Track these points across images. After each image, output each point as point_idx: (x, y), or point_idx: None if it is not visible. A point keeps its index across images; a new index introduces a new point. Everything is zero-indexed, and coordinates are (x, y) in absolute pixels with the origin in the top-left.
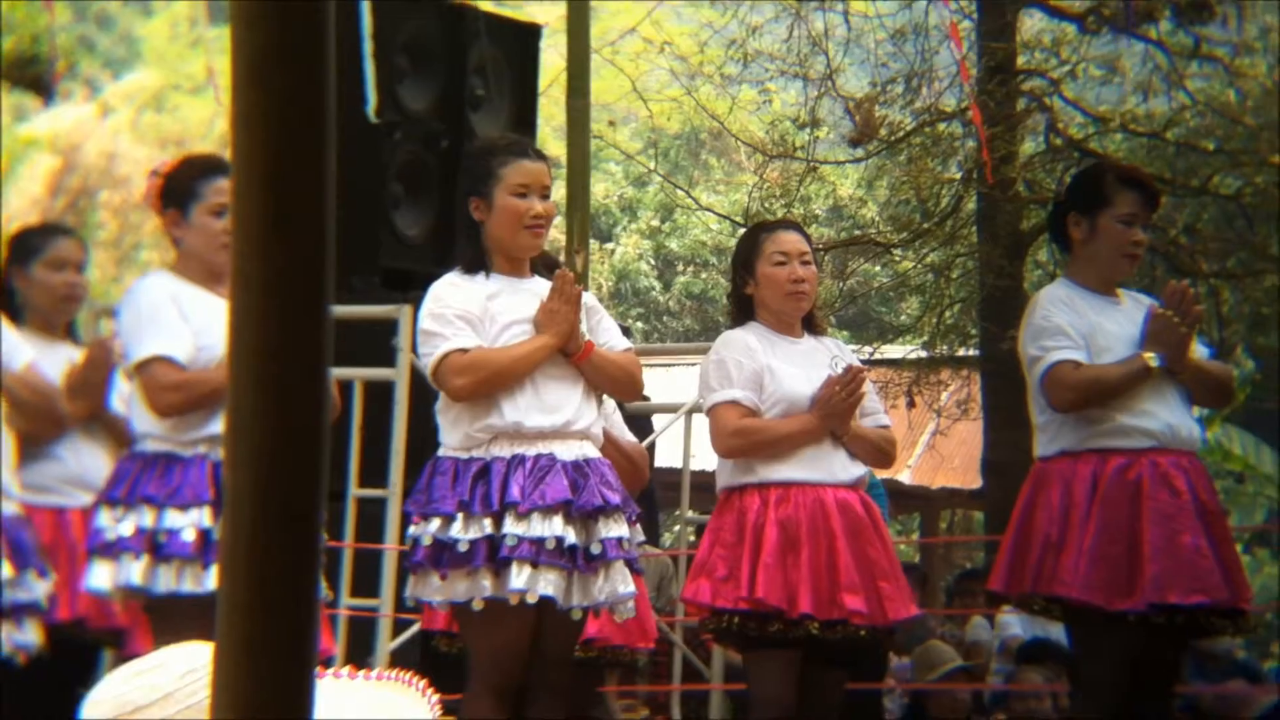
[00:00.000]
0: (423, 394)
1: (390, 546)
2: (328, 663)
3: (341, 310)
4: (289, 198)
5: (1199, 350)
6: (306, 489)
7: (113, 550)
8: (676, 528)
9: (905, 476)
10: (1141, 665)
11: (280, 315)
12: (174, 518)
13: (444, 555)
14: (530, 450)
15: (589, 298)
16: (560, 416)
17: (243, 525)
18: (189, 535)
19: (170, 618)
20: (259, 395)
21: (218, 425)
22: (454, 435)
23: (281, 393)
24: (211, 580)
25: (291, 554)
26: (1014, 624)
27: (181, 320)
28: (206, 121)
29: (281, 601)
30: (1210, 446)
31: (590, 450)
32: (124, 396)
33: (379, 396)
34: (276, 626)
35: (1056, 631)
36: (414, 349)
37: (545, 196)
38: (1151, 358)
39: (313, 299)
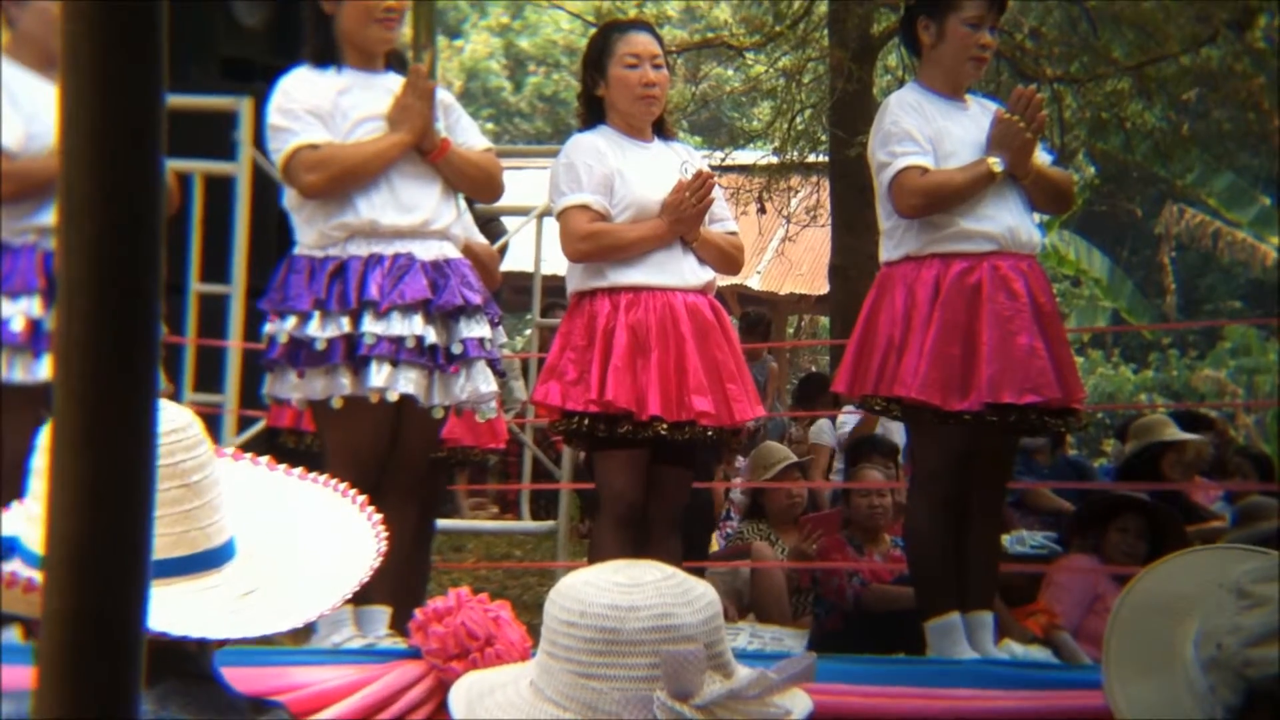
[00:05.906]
0: (265, 189)
1: (233, 344)
2: None
3: (179, 100)
4: None
5: (1041, 155)
6: (142, 275)
7: None
8: (527, 331)
9: (754, 282)
10: (973, 460)
11: (113, 99)
12: (3, 306)
13: (300, 353)
14: (387, 249)
15: (446, 95)
16: (417, 215)
17: (76, 314)
18: (18, 324)
19: (4, 406)
20: (92, 182)
21: (49, 214)
22: (308, 233)
23: (115, 178)
24: (43, 369)
25: (128, 342)
26: (851, 422)
27: (12, 107)
28: None
29: (119, 390)
30: (1045, 251)
31: (450, 250)
32: None
33: (220, 191)
34: (113, 415)
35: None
36: (256, 143)
37: None
38: (995, 162)
39: (146, 83)
